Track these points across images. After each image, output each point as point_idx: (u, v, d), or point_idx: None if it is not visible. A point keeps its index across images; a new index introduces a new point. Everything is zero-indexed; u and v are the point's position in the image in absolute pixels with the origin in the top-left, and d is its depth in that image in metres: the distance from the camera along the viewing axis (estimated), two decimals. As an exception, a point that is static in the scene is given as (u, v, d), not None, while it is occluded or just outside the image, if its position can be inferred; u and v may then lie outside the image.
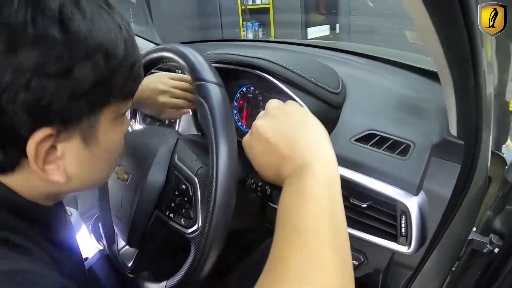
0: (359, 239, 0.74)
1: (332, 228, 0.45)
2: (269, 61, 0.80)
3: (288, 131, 0.54)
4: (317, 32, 5.00)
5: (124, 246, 0.85)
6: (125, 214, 0.74)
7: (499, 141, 0.82)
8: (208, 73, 0.63)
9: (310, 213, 0.45)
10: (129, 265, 0.79)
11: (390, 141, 0.75)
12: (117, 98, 0.50)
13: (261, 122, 0.56)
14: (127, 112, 0.58)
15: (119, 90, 0.49)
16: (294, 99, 0.78)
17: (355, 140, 0.77)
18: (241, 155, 0.88)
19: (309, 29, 4.96)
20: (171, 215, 0.68)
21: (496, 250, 0.78)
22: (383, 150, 0.74)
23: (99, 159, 0.53)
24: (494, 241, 0.79)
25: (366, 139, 0.77)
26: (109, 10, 0.47)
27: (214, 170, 0.56)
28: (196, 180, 0.65)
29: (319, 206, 0.46)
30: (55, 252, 0.51)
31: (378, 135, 0.76)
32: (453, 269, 0.88)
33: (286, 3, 5.10)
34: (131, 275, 0.78)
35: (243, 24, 4.92)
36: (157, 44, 1.79)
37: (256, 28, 5.17)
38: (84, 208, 1.62)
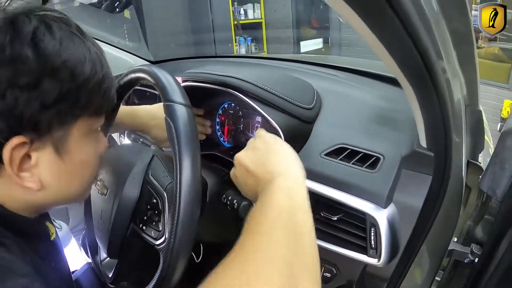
0: (330, 252, 0.75)
1: (289, 231, 0.48)
2: (240, 79, 0.82)
3: (262, 159, 0.63)
4: (310, 45, 5.06)
5: (105, 258, 0.87)
6: (104, 226, 0.76)
7: (475, 150, 0.83)
8: (176, 95, 0.65)
9: (268, 218, 0.50)
10: (110, 275, 0.81)
11: (360, 154, 0.76)
12: (88, 113, 0.56)
13: (242, 154, 0.67)
14: (104, 132, 0.64)
15: (87, 105, 0.55)
16: (263, 116, 0.80)
17: (325, 155, 0.79)
18: (218, 172, 0.89)
19: (302, 43, 5.02)
20: (144, 227, 0.71)
21: (477, 260, 0.79)
22: (352, 163, 0.76)
23: (74, 173, 0.59)
24: (475, 251, 0.79)
25: (336, 152, 0.79)
26: (80, 35, 0.55)
27: (178, 186, 0.58)
28: (165, 194, 0.67)
29: (279, 212, 0.50)
30: (40, 263, 0.56)
31: (349, 148, 0.78)
32: (439, 279, 0.88)
33: (278, 18, 5.15)
34: (111, 285, 0.81)
35: (235, 39, 4.96)
36: (148, 61, 1.84)
37: (249, 43, 5.22)
38: (76, 222, 1.64)
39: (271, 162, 0.61)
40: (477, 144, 0.80)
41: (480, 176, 0.78)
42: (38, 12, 0.52)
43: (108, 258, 0.87)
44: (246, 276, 0.42)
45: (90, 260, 1.23)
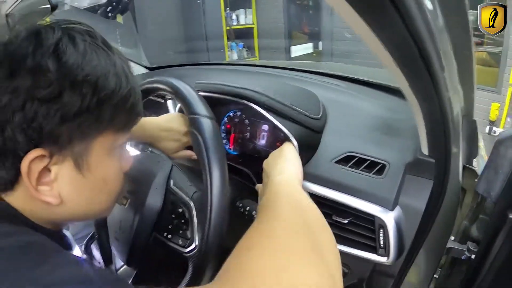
0: (342, 253, 0.79)
1: (302, 219, 0.54)
2: (253, 91, 0.86)
3: (275, 163, 0.73)
4: (300, 50, 5.12)
5: (122, 266, 0.88)
6: (124, 235, 0.78)
7: (470, 156, 0.89)
8: (200, 107, 0.69)
9: (283, 209, 0.55)
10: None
11: (368, 162, 0.82)
12: (110, 128, 0.54)
13: (267, 159, 0.78)
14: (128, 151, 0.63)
15: (110, 120, 0.53)
16: (277, 126, 0.84)
17: (335, 162, 0.84)
18: (232, 180, 0.93)
19: (292, 47, 5.08)
20: (169, 236, 0.73)
21: (473, 256, 0.85)
22: (361, 170, 0.81)
23: (96, 189, 0.57)
24: (471, 248, 0.85)
25: (345, 160, 0.84)
26: (105, 48, 0.53)
27: (209, 195, 0.61)
28: (191, 203, 0.70)
29: (288, 203, 0.57)
30: None
31: (356, 156, 0.83)
32: (437, 276, 0.94)
33: (270, 23, 5.17)
34: None
35: (228, 45, 4.98)
36: (145, 67, 1.86)
37: (241, 48, 5.23)
38: (77, 229, 1.65)
39: (279, 167, 0.71)
40: (472, 150, 0.86)
41: (476, 180, 0.84)
42: (63, 25, 0.52)
43: (125, 267, 0.88)
44: (278, 264, 0.43)
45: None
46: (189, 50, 4.46)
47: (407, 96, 0.61)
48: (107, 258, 0.93)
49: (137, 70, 1.86)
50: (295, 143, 0.81)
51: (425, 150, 0.75)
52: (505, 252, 0.76)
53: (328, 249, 0.51)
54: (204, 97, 0.91)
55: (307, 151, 0.86)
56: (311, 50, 5.22)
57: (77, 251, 1.39)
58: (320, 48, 5.30)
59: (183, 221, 0.72)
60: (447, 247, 0.87)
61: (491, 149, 0.80)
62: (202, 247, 0.62)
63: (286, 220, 0.52)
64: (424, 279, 0.92)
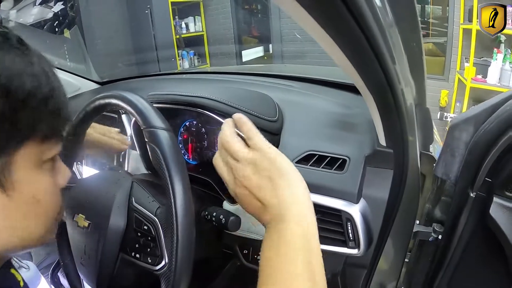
0: None
1: (307, 261, 0.51)
2: (208, 98, 0.86)
3: (269, 184, 0.55)
4: (251, 54, 5.15)
5: None
6: (90, 260, 0.75)
7: (426, 142, 0.92)
8: (156, 120, 0.67)
9: (287, 258, 0.50)
10: None
11: (328, 159, 0.83)
12: (33, 138, 0.47)
13: (242, 172, 0.57)
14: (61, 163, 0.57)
15: (30, 128, 0.46)
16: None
17: (296, 162, 0.84)
18: (194, 191, 0.91)
19: (243, 52, 5.09)
20: (137, 255, 0.70)
21: (440, 236, 0.89)
22: (322, 167, 0.82)
23: (27, 211, 0.49)
24: (437, 229, 0.89)
25: (306, 159, 0.84)
26: (21, 48, 0.46)
27: (173, 210, 0.60)
28: (156, 220, 0.68)
29: (295, 251, 0.51)
30: None
31: (316, 154, 0.84)
32: (407, 260, 0.97)
33: (219, 30, 5.18)
34: None
35: (178, 53, 4.94)
36: (94, 81, 1.80)
37: (192, 56, 5.20)
38: (40, 258, 1.57)
39: (280, 188, 0.55)
40: (427, 137, 0.90)
41: (434, 165, 0.88)
42: None
43: None
44: None
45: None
46: (140, 61, 4.38)
47: (361, 91, 0.62)
48: (75, 286, 0.88)
49: (88, 85, 1.80)
50: None
51: (382, 142, 0.77)
52: (470, 229, 0.81)
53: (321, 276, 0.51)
54: (159, 108, 0.90)
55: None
56: (261, 54, 5.26)
57: (44, 282, 1.33)
58: (271, 51, 5.36)
59: (149, 238, 0.69)
60: (413, 231, 0.90)
61: (444, 134, 0.83)
62: (173, 263, 0.60)
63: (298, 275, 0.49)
64: (395, 264, 0.95)
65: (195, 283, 0.66)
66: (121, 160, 1.23)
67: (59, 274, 0.96)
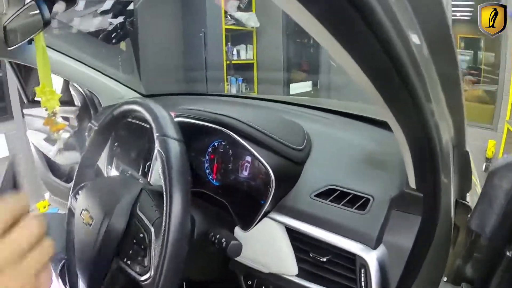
0: None
1: None
2: (232, 118, 0.83)
3: None
4: (299, 88, 5.16)
5: None
6: (87, 258, 0.75)
7: (463, 190, 0.84)
8: (170, 129, 0.66)
9: None
10: None
11: (350, 196, 0.77)
12: None
13: None
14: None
15: None
16: (255, 156, 0.80)
17: (315, 195, 0.79)
18: (205, 209, 0.88)
19: (291, 85, 5.11)
20: (128, 262, 0.69)
21: (468, 299, 0.78)
22: (342, 204, 0.76)
23: None
24: (465, 290, 0.79)
25: (327, 194, 0.79)
26: None
27: (166, 221, 0.58)
28: (152, 229, 0.66)
29: None
30: None
31: (338, 190, 0.78)
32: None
33: (270, 60, 5.23)
34: None
35: (227, 79, 5.02)
36: (140, 94, 1.86)
37: (240, 83, 5.27)
38: (55, 249, 1.59)
39: None
40: (465, 184, 0.81)
41: (469, 216, 0.79)
42: None
43: None
44: None
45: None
46: (189, 80, 4.52)
47: (390, 123, 0.56)
48: (73, 282, 0.89)
49: (132, 96, 1.86)
50: (272, 174, 0.77)
51: (412, 183, 0.70)
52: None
53: None
54: (190, 124, 0.89)
55: (286, 183, 0.82)
56: (310, 88, 5.26)
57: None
58: (319, 86, 5.36)
59: (142, 247, 0.67)
60: (439, 289, 0.80)
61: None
62: (156, 278, 0.58)
63: None
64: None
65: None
66: (145, 170, 1.23)
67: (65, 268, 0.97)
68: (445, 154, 0.61)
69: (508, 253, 0.68)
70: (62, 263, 1.35)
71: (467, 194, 0.83)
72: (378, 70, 0.43)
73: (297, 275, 0.79)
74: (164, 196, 0.60)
